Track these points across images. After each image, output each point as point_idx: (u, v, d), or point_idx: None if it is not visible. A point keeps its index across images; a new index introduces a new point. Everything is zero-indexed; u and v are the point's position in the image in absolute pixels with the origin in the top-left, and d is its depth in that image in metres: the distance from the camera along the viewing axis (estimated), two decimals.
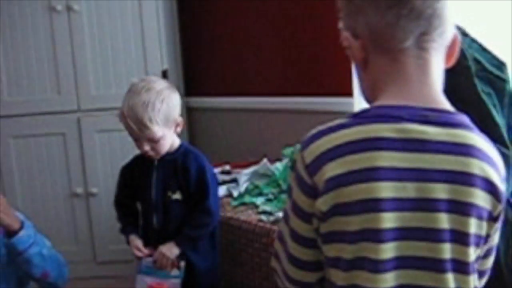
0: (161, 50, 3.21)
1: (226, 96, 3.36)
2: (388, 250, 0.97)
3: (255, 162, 2.81)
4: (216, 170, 2.85)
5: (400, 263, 0.98)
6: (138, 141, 1.99)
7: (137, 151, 2.10)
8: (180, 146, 2.07)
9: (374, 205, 0.96)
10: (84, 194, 3.28)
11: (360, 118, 1.00)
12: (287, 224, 1.08)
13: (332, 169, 0.97)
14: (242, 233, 2.28)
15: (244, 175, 2.67)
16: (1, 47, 3.21)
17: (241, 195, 2.55)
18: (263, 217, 2.27)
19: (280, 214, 2.23)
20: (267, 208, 2.35)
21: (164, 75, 3.20)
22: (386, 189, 0.96)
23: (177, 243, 2.01)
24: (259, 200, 2.45)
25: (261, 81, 3.18)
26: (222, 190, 2.65)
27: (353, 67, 1.12)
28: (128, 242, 2.11)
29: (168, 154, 2.03)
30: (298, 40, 2.98)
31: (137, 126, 1.93)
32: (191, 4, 3.49)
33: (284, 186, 2.52)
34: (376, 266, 0.98)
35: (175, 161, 2.03)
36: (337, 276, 1.02)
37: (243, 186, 2.59)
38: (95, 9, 3.17)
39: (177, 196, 2.02)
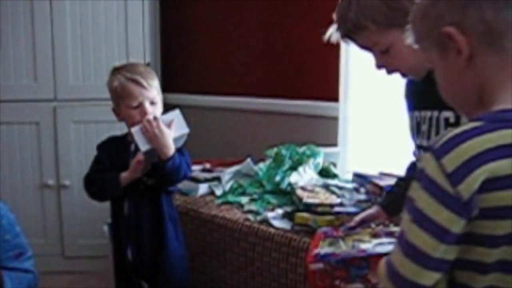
0: (144, 43, 3.15)
1: (206, 95, 3.32)
2: None
3: (237, 162, 2.78)
4: (197, 167, 2.81)
5: None
6: (138, 107, 1.95)
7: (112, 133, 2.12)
8: None
9: None
10: (55, 185, 3.19)
11: (496, 122, 0.92)
12: (402, 246, 0.95)
13: (483, 174, 0.90)
14: (228, 231, 2.24)
15: (227, 174, 2.63)
16: None
17: (224, 194, 2.52)
18: (250, 216, 2.24)
19: (269, 214, 2.21)
20: (253, 207, 2.32)
21: None
22: None
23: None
24: (244, 200, 2.42)
25: (244, 81, 3.15)
26: (203, 188, 2.62)
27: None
28: (122, 180, 1.96)
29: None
30: (285, 41, 2.97)
31: (145, 81, 1.95)
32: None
33: (268, 187, 2.50)
34: None
35: None
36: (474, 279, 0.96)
37: (227, 185, 2.56)
38: None
39: (152, 181, 1.98)
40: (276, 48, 3.00)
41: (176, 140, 1.95)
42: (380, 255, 1.39)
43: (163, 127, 1.91)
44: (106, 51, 3.12)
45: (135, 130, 1.92)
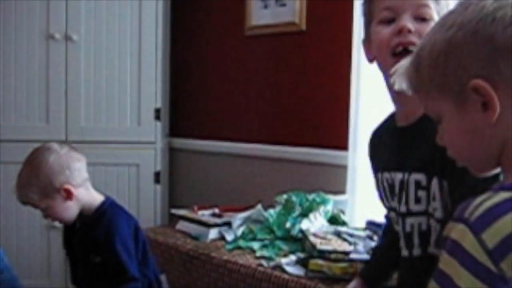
0: (156, 88, 3.21)
1: (215, 140, 3.36)
2: None
3: (246, 208, 2.81)
4: (206, 212, 2.84)
5: None
6: None
7: None
8: (98, 209, 2.00)
9: None
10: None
11: None
12: None
13: None
14: (241, 277, 2.25)
15: (237, 219, 2.66)
16: None
17: (235, 239, 2.54)
18: (263, 262, 2.26)
19: (282, 260, 2.23)
20: (265, 253, 2.34)
21: (157, 113, 3.19)
22: None
23: None
24: (256, 245, 2.44)
25: (255, 128, 3.20)
26: (213, 233, 2.64)
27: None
28: None
29: (85, 217, 1.99)
30: (295, 89, 3.03)
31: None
32: (184, 46, 3.53)
33: (278, 233, 2.52)
34: None
35: (89, 226, 1.98)
36: None
37: (239, 230, 2.58)
38: (94, 41, 3.17)
39: (98, 259, 1.95)
40: (287, 96, 3.06)
41: None
42: None
43: None
44: (118, 94, 3.18)
45: None
